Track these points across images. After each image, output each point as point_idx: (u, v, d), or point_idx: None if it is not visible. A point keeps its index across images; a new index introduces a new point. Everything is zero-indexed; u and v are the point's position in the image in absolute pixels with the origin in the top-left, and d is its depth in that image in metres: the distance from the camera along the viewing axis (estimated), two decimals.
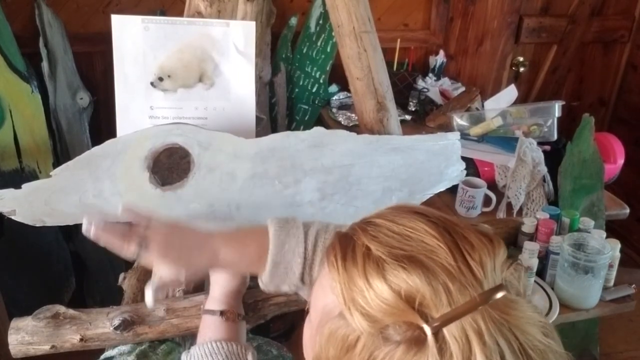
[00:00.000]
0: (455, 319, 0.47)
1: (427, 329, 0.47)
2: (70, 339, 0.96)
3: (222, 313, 0.91)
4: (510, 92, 2.12)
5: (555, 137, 1.84)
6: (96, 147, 0.95)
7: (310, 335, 0.59)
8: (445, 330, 0.47)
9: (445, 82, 2.44)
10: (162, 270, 0.81)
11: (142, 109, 1.03)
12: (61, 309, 0.98)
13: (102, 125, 2.11)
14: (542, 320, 0.51)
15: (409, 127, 2.13)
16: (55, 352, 0.97)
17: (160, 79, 1.02)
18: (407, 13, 2.50)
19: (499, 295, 0.48)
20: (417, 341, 0.47)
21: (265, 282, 0.80)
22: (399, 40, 2.31)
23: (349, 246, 0.54)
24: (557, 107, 1.85)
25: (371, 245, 0.53)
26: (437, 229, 0.53)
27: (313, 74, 2.34)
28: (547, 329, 0.51)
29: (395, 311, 0.48)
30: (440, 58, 2.50)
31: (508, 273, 0.53)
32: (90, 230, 0.80)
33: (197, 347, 0.87)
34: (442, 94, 2.37)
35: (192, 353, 0.87)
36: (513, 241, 1.34)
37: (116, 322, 0.96)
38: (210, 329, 0.90)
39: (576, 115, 1.90)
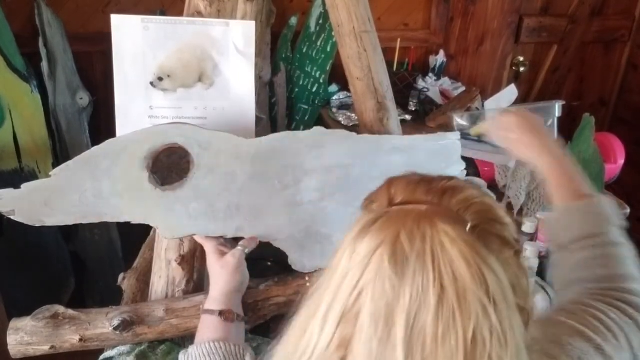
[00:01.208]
0: (407, 205, 0.57)
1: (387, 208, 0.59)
2: (70, 339, 0.96)
3: (221, 313, 0.91)
4: (510, 92, 2.12)
5: (556, 137, 1.83)
6: (96, 147, 0.95)
7: None
8: (395, 209, 0.58)
9: (446, 82, 2.44)
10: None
11: (141, 109, 1.03)
12: (60, 309, 0.98)
13: (101, 125, 2.11)
14: (478, 259, 0.52)
15: (409, 127, 2.13)
16: (55, 353, 0.97)
17: (160, 79, 1.02)
18: (407, 13, 2.50)
19: (455, 219, 0.54)
20: (378, 213, 0.58)
21: None
22: (399, 40, 2.31)
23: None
24: (557, 107, 1.84)
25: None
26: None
27: (313, 74, 2.33)
28: (475, 265, 0.52)
29: (382, 191, 0.61)
30: (440, 58, 2.50)
31: (474, 218, 0.56)
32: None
33: (195, 347, 0.87)
34: (442, 94, 2.37)
35: (190, 353, 0.87)
36: None
37: (115, 322, 0.96)
38: (209, 329, 0.90)
39: (576, 115, 1.90)
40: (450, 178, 0.61)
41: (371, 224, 0.56)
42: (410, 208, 0.56)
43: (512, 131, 1.04)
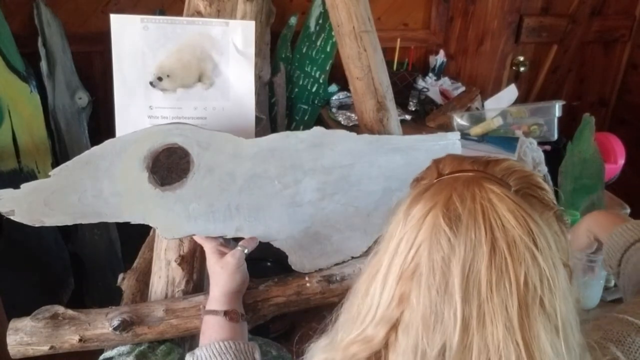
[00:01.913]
0: (454, 174, 0.62)
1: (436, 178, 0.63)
2: (69, 339, 0.96)
3: (225, 313, 0.90)
4: (510, 92, 2.12)
5: (556, 137, 1.83)
6: (95, 147, 0.95)
7: None
8: (445, 178, 0.62)
9: (446, 81, 2.44)
10: None
11: (141, 109, 1.03)
12: (60, 309, 0.97)
13: (101, 125, 2.11)
14: (523, 212, 0.57)
15: (409, 127, 2.13)
16: (54, 353, 0.97)
17: (160, 79, 1.02)
18: (407, 12, 2.50)
19: (500, 183, 0.59)
20: (429, 183, 0.63)
21: None
22: (399, 39, 2.31)
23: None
24: (557, 107, 1.85)
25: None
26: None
27: (313, 74, 2.33)
28: (521, 217, 0.57)
29: (431, 168, 0.67)
30: (440, 58, 2.50)
31: (527, 190, 0.61)
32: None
33: (203, 348, 0.87)
34: (442, 93, 2.37)
35: (199, 355, 0.86)
36: None
37: (115, 322, 0.96)
38: (215, 329, 0.89)
39: (576, 115, 1.90)
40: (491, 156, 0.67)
41: (423, 192, 0.61)
42: (459, 175, 0.61)
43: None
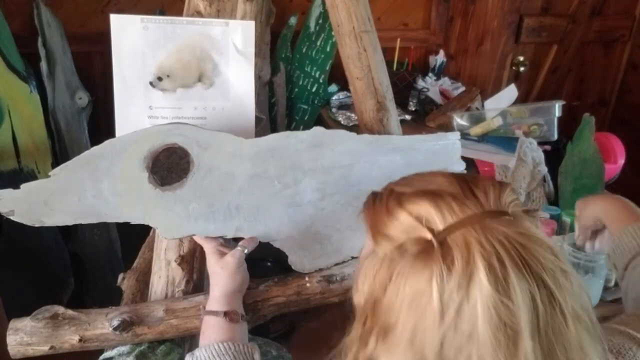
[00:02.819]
0: (456, 230, 0.55)
1: (434, 240, 0.55)
2: (69, 339, 0.96)
3: (225, 314, 0.90)
4: (510, 92, 2.12)
5: (556, 137, 1.83)
6: (95, 147, 0.94)
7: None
8: (448, 239, 0.55)
9: (445, 81, 2.44)
10: None
11: (141, 109, 1.03)
12: (60, 309, 0.97)
13: (101, 125, 2.11)
14: (549, 243, 0.55)
15: (409, 127, 2.13)
16: (54, 353, 0.97)
17: (160, 79, 1.02)
18: (407, 12, 2.50)
19: (501, 217, 0.56)
20: (426, 251, 0.55)
21: None
22: (398, 39, 2.31)
23: (378, 195, 0.65)
24: (557, 107, 1.85)
25: (395, 187, 0.63)
26: (452, 175, 0.63)
27: (313, 74, 2.33)
28: (556, 250, 0.55)
29: (408, 229, 0.58)
30: (440, 58, 2.50)
31: (518, 209, 0.58)
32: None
33: (202, 349, 0.87)
34: (442, 93, 2.37)
35: (198, 355, 0.86)
36: None
37: (115, 322, 0.96)
38: (215, 330, 0.89)
39: (576, 115, 1.90)
40: (446, 178, 0.62)
41: (437, 266, 0.54)
42: (467, 231, 0.55)
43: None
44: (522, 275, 0.52)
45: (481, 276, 0.52)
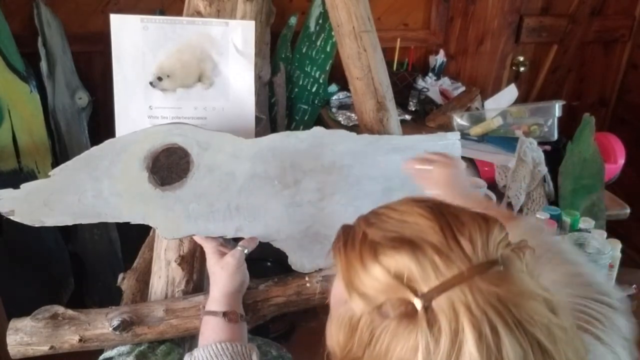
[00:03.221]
0: (442, 292, 0.49)
1: (417, 303, 0.50)
2: (69, 339, 0.96)
3: (224, 314, 0.90)
4: (510, 92, 2.12)
5: (556, 137, 1.83)
6: (95, 147, 0.95)
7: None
8: (434, 303, 0.49)
9: (445, 81, 2.44)
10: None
11: (141, 109, 1.03)
12: (60, 309, 0.97)
13: (101, 125, 2.11)
14: (545, 295, 0.52)
15: (409, 127, 2.13)
16: (54, 353, 0.97)
17: (160, 79, 1.02)
18: (407, 12, 2.50)
19: (490, 270, 0.50)
20: (409, 315, 0.50)
21: None
22: (398, 39, 2.31)
23: (350, 235, 0.58)
24: (557, 107, 1.85)
25: (368, 231, 0.56)
26: (431, 211, 0.56)
27: (313, 74, 2.33)
28: (552, 304, 0.51)
29: (386, 288, 0.51)
30: (440, 58, 2.50)
31: (508, 251, 0.54)
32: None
33: (200, 349, 0.87)
34: (442, 93, 2.36)
35: (196, 355, 0.86)
36: None
37: (115, 322, 0.96)
38: (214, 330, 0.89)
39: (576, 115, 1.90)
40: (426, 219, 0.55)
41: (422, 334, 0.49)
42: (454, 294, 0.49)
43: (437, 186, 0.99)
44: (515, 340, 0.48)
45: (470, 348, 0.47)
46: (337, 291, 0.57)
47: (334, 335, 0.56)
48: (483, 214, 0.56)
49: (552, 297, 0.52)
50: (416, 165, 1.01)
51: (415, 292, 0.50)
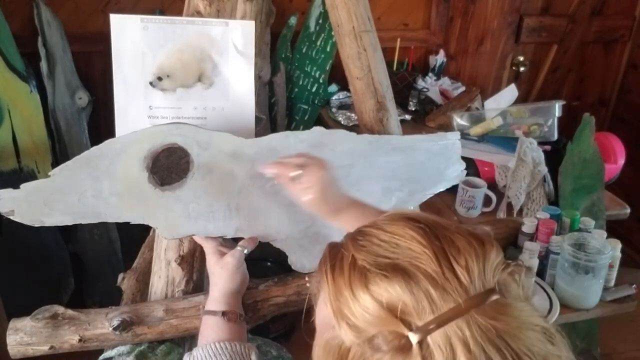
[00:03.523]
0: (438, 327, 0.47)
1: (412, 337, 0.47)
2: (69, 339, 0.96)
3: (224, 314, 0.90)
4: (510, 92, 2.12)
5: (556, 137, 1.83)
6: (95, 147, 0.95)
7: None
8: (429, 338, 0.47)
9: (445, 81, 2.44)
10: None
11: (141, 109, 1.03)
12: (60, 309, 0.97)
13: (101, 125, 2.11)
14: (543, 324, 0.50)
15: (409, 127, 2.13)
16: (54, 353, 0.97)
17: (159, 79, 1.02)
18: (407, 12, 2.50)
19: (488, 300, 0.48)
20: (403, 349, 0.47)
21: None
22: (398, 39, 2.31)
23: (337, 257, 0.55)
24: (557, 107, 1.85)
25: (358, 255, 0.53)
26: (425, 235, 0.53)
27: (313, 74, 2.33)
28: (549, 333, 0.50)
29: (378, 321, 0.49)
30: (440, 58, 2.50)
31: (504, 275, 0.52)
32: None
33: (199, 348, 0.87)
34: (442, 93, 2.37)
35: (195, 355, 0.86)
36: (513, 241, 1.33)
37: (115, 322, 0.96)
38: (213, 329, 0.89)
39: (576, 115, 1.90)
40: (419, 244, 0.52)
41: None
42: (451, 329, 0.47)
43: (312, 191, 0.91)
44: None
45: None
46: (324, 314, 0.55)
47: (321, 359, 0.54)
48: (478, 236, 0.54)
49: (548, 325, 0.51)
50: (289, 174, 0.90)
51: (409, 326, 0.48)
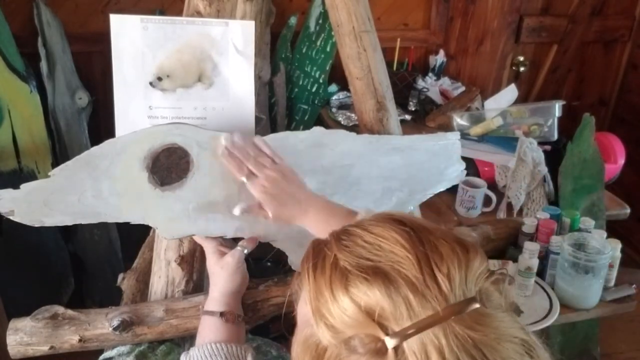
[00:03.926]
0: (415, 333, 0.47)
1: (388, 342, 0.47)
2: (69, 339, 0.96)
3: (222, 314, 0.90)
4: (510, 92, 2.12)
5: (556, 137, 1.83)
6: (95, 147, 0.95)
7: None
8: (405, 344, 0.47)
9: (445, 81, 2.44)
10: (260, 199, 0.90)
11: (141, 109, 1.03)
12: (60, 309, 0.97)
13: (101, 125, 2.11)
14: (522, 336, 0.50)
15: (409, 127, 2.13)
16: (54, 353, 0.97)
17: (159, 79, 1.02)
18: (407, 12, 2.50)
19: (468, 309, 0.48)
20: (378, 353, 0.47)
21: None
22: (398, 39, 2.31)
23: (320, 256, 0.55)
24: (557, 107, 1.85)
25: (340, 255, 0.53)
26: (409, 238, 0.52)
27: (312, 74, 2.33)
28: (528, 346, 0.49)
29: (355, 323, 0.49)
30: (440, 58, 2.50)
31: (487, 284, 0.52)
32: (224, 143, 0.93)
33: (196, 348, 0.87)
34: (442, 93, 2.37)
35: (192, 355, 0.87)
36: (513, 241, 1.33)
37: (115, 322, 0.96)
38: (210, 330, 0.90)
39: (576, 115, 1.90)
40: (403, 248, 0.51)
41: None
42: (427, 336, 0.47)
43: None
44: None
45: None
46: (304, 311, 0.55)
47: (300, 356, 0.55)
48: (463, 243, 0.53)
49: (528, 337, 0.50)
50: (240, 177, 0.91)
51: (386, 331, 0.48)
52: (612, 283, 1.27)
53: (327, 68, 2.33)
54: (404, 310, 0.48)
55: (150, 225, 0.98)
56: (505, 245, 1.32)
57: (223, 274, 0.94)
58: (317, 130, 1.04)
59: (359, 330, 0.49)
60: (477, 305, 0.49)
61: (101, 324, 0.97)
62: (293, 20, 2.26)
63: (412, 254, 0.51)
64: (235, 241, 1.01)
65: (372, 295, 0.49)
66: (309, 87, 2.35)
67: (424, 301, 0.48)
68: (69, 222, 0.95)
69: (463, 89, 2.38)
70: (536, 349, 0.50)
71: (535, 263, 1.20)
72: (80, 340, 0.96)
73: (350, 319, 0.49)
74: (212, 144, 0.96)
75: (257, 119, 1.08)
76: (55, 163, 1.99)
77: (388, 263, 0.51)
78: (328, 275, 0.52)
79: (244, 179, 0.91)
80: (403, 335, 0.47)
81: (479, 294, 0.50)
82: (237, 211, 0.92)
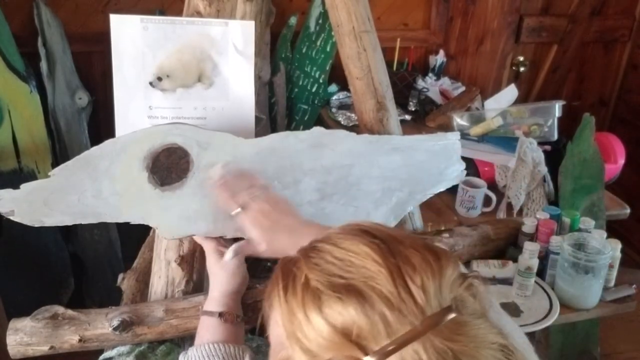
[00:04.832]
0: (395, 351, 0.46)
1: None
2: (69, 339, 0.96)
3: (220, 315, 0.90)
4: (510, 92, 2.12)
5: (556, 137, 1.83)
6: (95, 147, 0.95)
7: None
8: None
9: (445, 81, 2.44)
10: (251, 234, 0.87)
11: (141, 109, 1.03)
12: (60, 309, 0.97)
13: (101, 125, 2.11)
14: (500, 341, 0.49)
15: (409, 127, 2.13)
16: (54, 353, 0.97)
17: (159, 79, 1.02)
18: (407, 12, 2.50)
19: (444, 320, 0.47)
20: None
21: None
22: (398, 39, 2.31)
23: (290, 276, 0.53)
24: (557, 107, 1.85)
25: (311, 275, 0.51)
26: (379, 251, 0.51)
27: (312, 74, 2.33)
28: (507, 350, 0.49)
29: (332, 345, 0.47)
30: (440, 58, 2.50)
31: (461, 290, 0.51)
32: (213, 177, 0.92)
33: (194, 348, 0.87)
34: (442, 93, 2.37)
35: (190, 355, 0.87)
36: (513, 241, 1.33)
37: (115, 322, 0.96)
38: (209, 330, 0.90)
39: (576, 115, 1.90)
40: (373, 261, 0.50)
41: None
42: (407, 353, 0.46)
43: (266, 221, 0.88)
44: None
45: None
46: (277, 332, 0.54)
47: None
48: (434, 250, 0.53)
49: (506, 341, 0.50)
50: (231, 212, 0.89)
51: (364, 351, 0.46)
52: (612, 283, 1.27)
53: (327, 68, 2.33)
54: (382, 327, 0.47)
55: (150, 225, 0.98)
56: (505, 245, 1.32)
57: (223, 274, 0.94)
58: (317, 130, 1.04)
59: (336, 352, 0.47)
60: (454, 315, 0.48)
61: (101, 324, 0.97)
62: (293, 20, 2.26)
63: (384, 267, 0.50)
64: (235, 241, 1.01)
65: (347, 315, 0.47)
66: (309, 87, 2.35)
67: (400, 317, 0.47)
68: (69, 222, 0.95)
69: (463, 89, 2.38)
70: (515, 352, 0.50)
71: (535, 263, 1.20)
72: (80, 341, 0.96)
73: (327, 341, 0.48)
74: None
75: (257, 119, 1.08)
76: (55, 163, 1.99)
77: (361, 279, 0.49)
78: (300, 297, 0.50)
79: (235, 211, 0.89)
80: (382, 354, 0.46)
81: (454, 301, 0.50)
82: (228, 256, 0.91)
